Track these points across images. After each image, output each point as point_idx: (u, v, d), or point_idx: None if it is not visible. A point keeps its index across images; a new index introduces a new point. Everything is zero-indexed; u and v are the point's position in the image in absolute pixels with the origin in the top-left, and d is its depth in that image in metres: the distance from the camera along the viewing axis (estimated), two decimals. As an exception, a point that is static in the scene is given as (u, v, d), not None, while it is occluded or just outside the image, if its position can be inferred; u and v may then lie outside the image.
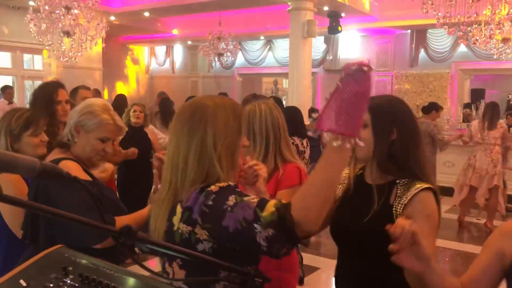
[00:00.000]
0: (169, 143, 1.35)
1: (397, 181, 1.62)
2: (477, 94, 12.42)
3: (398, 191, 1.60)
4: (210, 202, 1.22)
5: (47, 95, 2.91)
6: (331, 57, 10.59)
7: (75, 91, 3.90)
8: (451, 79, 9.36)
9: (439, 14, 4.68)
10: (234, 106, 1.38)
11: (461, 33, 4.86)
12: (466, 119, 9.84)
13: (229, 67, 11.89)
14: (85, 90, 3.96)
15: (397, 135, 1.62)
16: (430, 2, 4.53)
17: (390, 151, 1.63)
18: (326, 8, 8.57)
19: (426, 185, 1.58)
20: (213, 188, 1.24)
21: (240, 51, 11.49)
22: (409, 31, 9.57)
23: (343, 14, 8.76)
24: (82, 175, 1.78)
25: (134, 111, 4.89)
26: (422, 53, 9.57)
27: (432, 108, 6.59)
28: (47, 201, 1.67)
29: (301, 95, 8.41)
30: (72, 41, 7.21)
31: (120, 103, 7.22)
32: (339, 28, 8.55)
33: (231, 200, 1.22)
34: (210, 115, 1.31)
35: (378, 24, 9.45)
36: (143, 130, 4.96)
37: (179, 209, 1.28)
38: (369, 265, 1.59)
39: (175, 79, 13.79)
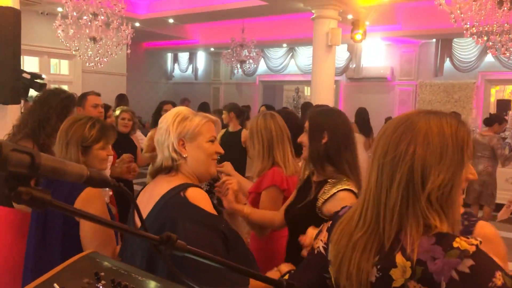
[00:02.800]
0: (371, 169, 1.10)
1: (328, 180, 1.92)
2: (503, 105, 12.18)
3: (326, 188, 1.91)
4: (467, 270, 0.94)
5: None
6: (354, 65, 10.52)
7: (83, 97, 3.57)
8: (477, 89, 9.19)
9: (468, 24, 4.59)
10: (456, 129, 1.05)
11: (491, 43, 4.75)
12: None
13: (251, 74, 11.92)
14: (95, 96, 3.59)
15: (328, 139, 1.93)
16: (458, 12, 4.44)
17: (324, 153, 1.94)
18: (350, 17, 8.52)
19: (348, 187, 1.87)
20: (468, 247, 0.95)
21: (262, 58, 11.52)
22: (434, 40, 9.44)
23: (367, 23, 8.69)
24: (211, 208, 1.51)
25: (123, 118, 4.49)
26: (447, 62, 9.42)
27: (494, 121, 6.25)
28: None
29: (323, 103, 8.36)
30: (98, 46, 7.33)
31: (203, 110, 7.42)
32: (355, 37, 8.44)
33: (499, 278, 0.93)
34: (420, 141, 1.03)
35: (402, 32, 9.35)
36: (129, 137, 4.62)
37: (402, 260, 1.00)
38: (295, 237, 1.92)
39: (197, 85, 13.90)
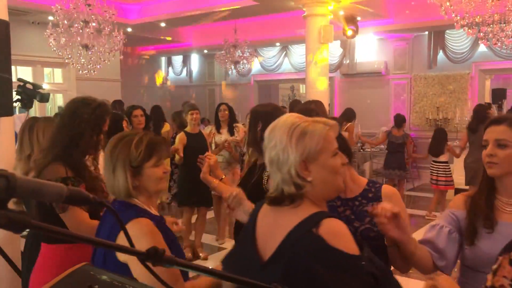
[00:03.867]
0: None
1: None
2: (498, 94, 12.19)
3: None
4: None
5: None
6: (347, 61, 10.53)
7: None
8: (471, 80, 9.20)
9: (458, 16, 4.58)
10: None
11: (482, 33, 4.75)
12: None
13: (246, 74, 11.92)
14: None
15: (261, 126, 2.30)
16: (448, 4, 4.44)
17: (260, 138, 2.12)
18: (341, 13, 8.52)
19: None
20: None
21: (256, 58, 11.52)
22: (426, 32, 9.45)
23: (359, 18, 8.69)
24: (351, 242, 1.26)
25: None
26: (440, 54, 9.43)
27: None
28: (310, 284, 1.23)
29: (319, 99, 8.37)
30: (90, 54, 7.32)
31: (158, 114, 7.43)
32: (347, 33, 8.44)
33: None
34: None
35: (394, 26, 9.36)
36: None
37: None
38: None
39: (193, 88, 13.90)
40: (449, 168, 6.72)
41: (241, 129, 5.69)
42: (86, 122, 2.18)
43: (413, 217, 7.13)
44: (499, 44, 4.92)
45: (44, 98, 5.51)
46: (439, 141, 6.70)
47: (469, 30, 4.82)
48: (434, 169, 6.75)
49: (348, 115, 7.25)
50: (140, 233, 1.48)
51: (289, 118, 1.37)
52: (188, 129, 5.23)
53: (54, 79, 10.81)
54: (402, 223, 1.57)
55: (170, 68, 14.57)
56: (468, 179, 6.45)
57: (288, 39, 10.90)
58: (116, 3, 9.25)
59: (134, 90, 13.00)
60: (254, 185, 2.34)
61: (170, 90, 14.51)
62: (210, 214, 5.91)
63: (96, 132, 2.18)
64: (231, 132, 5.65)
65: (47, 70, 10.54)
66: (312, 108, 4.07)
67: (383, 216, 1.56)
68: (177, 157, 5.07)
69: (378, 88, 10.18)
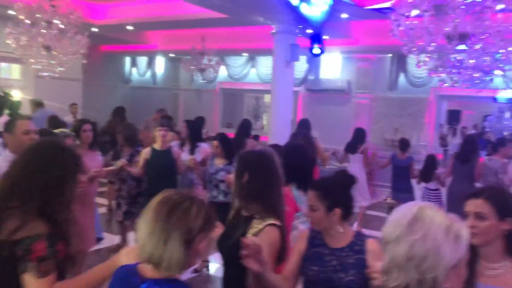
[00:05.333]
0: None
1: (255, 216, 2.13)
2: (453, 116, 12.72)
3: (254, 224, 2.11)
4: None
5: None
6: (313, 77, 10.69)
7: (11, 123, 3.22)
8: (429, 104, 9.55)
9: (409, 44, 4.73)
10: None
11: (432, 64, 4.92)
12: (442, 143, 10.05)
13: (211, 81, 11.89)
14: (25, 121, 3.21)
15: (248, 178, 2.15)
16: (397, 27, 4.54)
17: (246, 191, 2.15)
18: (309, 31, 8.65)
19: (273, 222, 2.09)
20: None
21: (222, 66, 11.52)
22: (390, 55, 9.74)
23: (326, 37, 8.85)
24: None
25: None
26: (401, 77, 9.74)
27: (497, 145, 6.39)
28: None
29: (282, 116, 8.48)
30: (52, 56, 7.10)
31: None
32: (315, 51, 8.58)
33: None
34: None
35: (359, 47, 9.61)
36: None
37: None
38: (231, 270, 2.19)
39: (156, 90, 13.71)
40: (441, 195, 6.71)
41: (203, 150, 5.65)
42: (66, 167, 1.91)
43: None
44: (449, 81, 5.11)
45: (15, 106, 5.33)
46: (429, 167, 6.65)
47: (420, 64, 5.01)
48: (426, 195, 6.72)
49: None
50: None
51: (437, 213, 1.26)
52: (156, 145, 5.12)
53: (11, 75, 10.41)
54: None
55: (134, 69, 14.32)
56: (452, 208, 6.58)
57: (255, 50, 10.96)
58: (83, 2, 9.02)
59: (95, 90, 12.70)
60: (238, 241, 2.11)
61: (133, 90, 14.26)
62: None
63: (75, 179, 1.94)
64: (193, 151, 5.61)
65: (3, 64, 10.14)
66: (305, 148, 4.08)
67: (249, 249, 1.75)
68: (135, 170, 4.99)
69: (340, 105, 10.40)
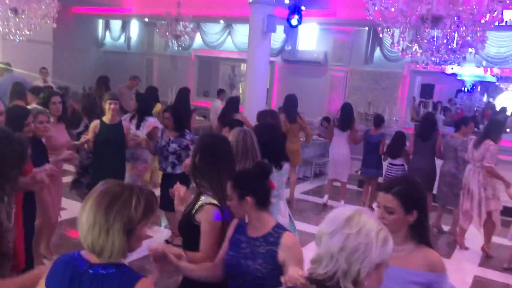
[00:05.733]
0: None
1: (203, 192, 2.43)
2: (427, 90, 12.89)
3: (199, 201, 2.39)
4: None
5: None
6: (289, 47, 10.61)
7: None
8: (403, 79, 9.64)
9: (384, 24, 4.75)
10: None
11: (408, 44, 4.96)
12: (413, 118, 10.22)
13: (186, 48, 11.67)
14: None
15: (199, 158, 2.44)
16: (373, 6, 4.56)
17: (196, 170, 2.46)
18: (287, 1, 8.54)
19: (213, 201, 2.34)
20: None
21: (198, 32, 11.30)
22: (366, 28, 9.71)
23: (303, 7, 8.76)
24: None
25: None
26: (377, 51, 9.75)
27: (460, 123, 6.48)
28: None
29: (257, 86, 8.45)
30: (20, 19, 6.81)
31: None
32: (293, 22, 8.48)
33: None
34: None
35: (336, 20, 9.55)
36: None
37: None
38: (185, 243, 2.46)
39: (130, 55, 13.39)
40: (405, 170, 6.88)
41: (149, 124, 5.51)
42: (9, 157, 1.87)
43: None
44: (424, 58, 5.16)
45: None
46: (398, 143, 6.82)
47: (393, 44, 5.04)
48: (389, 170, 6.89)
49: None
50: None
51: (371, 218, 1.38)
52: (105, 118, 4.99)
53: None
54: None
55: (107, 33, 13.90)
56: None
57: (232, 18, 10.77)
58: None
59: (67, 54, 12.32)
60: (188, 214, 2.43)
61: (106, 55, 13.89)
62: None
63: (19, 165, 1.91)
64: (139, 125, 5.51)
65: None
66: (274, 124, 4.24)
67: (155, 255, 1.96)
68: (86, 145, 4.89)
69: (316, 77, 10.40)
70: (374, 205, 7.28)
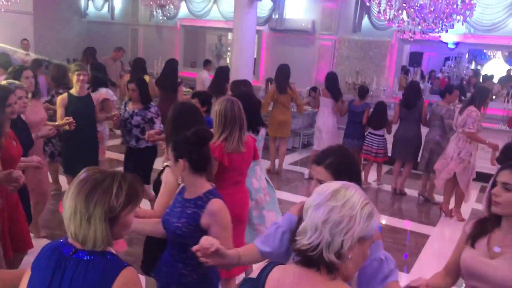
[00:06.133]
0: None
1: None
2: (415, 58, 12.83)
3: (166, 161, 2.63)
4: None
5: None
6: (277, 16, 10.42)
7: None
8: (391, 47, 9.56)
9: None
10: None
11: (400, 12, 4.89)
12: (402, 86, 10.21)
13: (172, 17, 11.42)
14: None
15: (169, 124, 2.88)
16: None
17: (166, 133, 2.91)
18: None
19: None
20: None
21: (183, 1, 11.04)
22: (354, -5, 9.55)
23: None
24: None
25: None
26: (365, 19, 9.62)
27: (445, 92, 6.49)
28: None
29: (244, 55, 8.33)
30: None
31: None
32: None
33: None
34: None
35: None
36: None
37: None
38: None
39: (114, 26, 13.07)
40: (385, 140, 6.99)
41: (96, 97, 5.26)
42: None
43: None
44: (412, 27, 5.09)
45: None
46: (380, 114, 6.84)
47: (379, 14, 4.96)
48: (370, 140, 6.94)
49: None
50: (136, 280, 1.52)
51: (357, 192, 1.38)
52: (73, 91, 4.80)
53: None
54: (221, 251, 1.83)
55: (90, 2, 13.51)
56: (396, 152, 6.84)
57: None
58: None
59: (48, 25, 11.98)
60: (159, 175, 2.77)
61: (90, 25, 13.54)
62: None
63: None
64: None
65: None
66: (248, 92, 4.33)
67: (203, 255, 1.82)
68: (59, 121, 4.61)
69: (304, 46, 10.27)
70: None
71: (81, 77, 4.71)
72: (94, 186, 1.46)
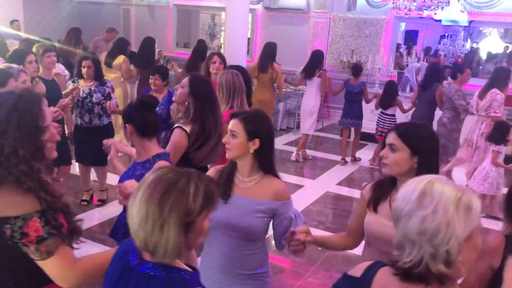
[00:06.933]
0: None
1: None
2: (410, 36, 12.71)
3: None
4: None
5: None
6: (270, -6, 10.27)
7: None
8: (386, 25, 9.46)
9: None
10: None
11: None
12: (398, 65, 10.14)
13: (164, -4, 11.25)
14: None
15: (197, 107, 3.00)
16: None
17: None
18: None
19: (182, 126, 2.94)
20: None
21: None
22: (349, -28, 9.40)
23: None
24: None
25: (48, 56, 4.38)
26: (361, -3, 9.50)
27: (455, 72, 6.16)
28: None
29: (238, 35, 8.21)
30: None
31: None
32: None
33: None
34: None
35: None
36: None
37: None
38: None
39: (105, 5, 12.84)
40: (395, 121, 6.82)
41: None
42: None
43: (322, 160, 7.54)
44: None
45: None
46: (389, 93, 6.70)
47: None
48: (381, 121, 6.85)
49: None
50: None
51: (446, 186, 1.22)
52: (41, 74, 4.51)
53: None
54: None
55: (80, -19, 13.24)
56: None
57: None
58: None
59: (38, 5, 11.75)
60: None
61: (80, 5, 13.30)
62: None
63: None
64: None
65: None
66: (240, 67, 4.31)
67: (121, 194, 1.97)
68: None
69: (298, 25, 10.15)
70: (357, 156, 7.36)
71: (49, 59, 4.55)
72: (168, 187, 1.27)
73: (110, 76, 6.54)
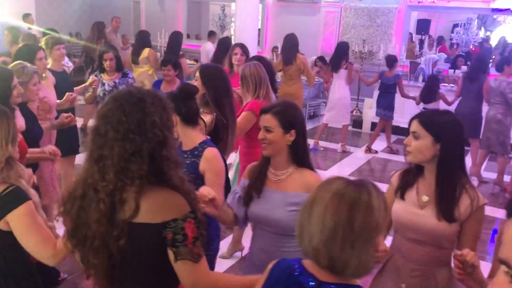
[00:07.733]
0: None
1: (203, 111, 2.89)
2: (423, 25, 12.54)
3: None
4: None
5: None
6: (281, -15, 10.20)
7: None
8: (398, 14, 9.36)
9: None
10: None
11: None
12: (409, 54, 10.02)
13: (174, -12, 11.22)
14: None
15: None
16: None
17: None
18: None
19: (203, 118, 2.75)
20: None
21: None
22: (361, -39, 9.30)
23: None
24: None
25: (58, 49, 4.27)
26: (372, -15, 9.40)
27: (503, 63, 5.87)
28: None
29: (248, 26, 8.20)
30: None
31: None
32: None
33: None
34: None
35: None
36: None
37: None
38: None
39: (116, -2, 12.87)
40: None
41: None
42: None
43: (333, 152, 7.51)
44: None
45: None
46: (432, 88, 6.50)
47: None
48: None
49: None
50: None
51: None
52: (52, 65, 4.33)
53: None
54: (216, 202, 1.94)
55: (90, -26, 13.27)
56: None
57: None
58: None
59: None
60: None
61: (91, -2, 13.34)
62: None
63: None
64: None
65: None
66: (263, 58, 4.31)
67: (201, 201, 1.84)
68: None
69: (309, 15, 10.08)
70: (393, 146, 7.27)
71: (59, 52, 4.36)
72: (353, 205, 1.22)
73: (138, 70, 6.58)
